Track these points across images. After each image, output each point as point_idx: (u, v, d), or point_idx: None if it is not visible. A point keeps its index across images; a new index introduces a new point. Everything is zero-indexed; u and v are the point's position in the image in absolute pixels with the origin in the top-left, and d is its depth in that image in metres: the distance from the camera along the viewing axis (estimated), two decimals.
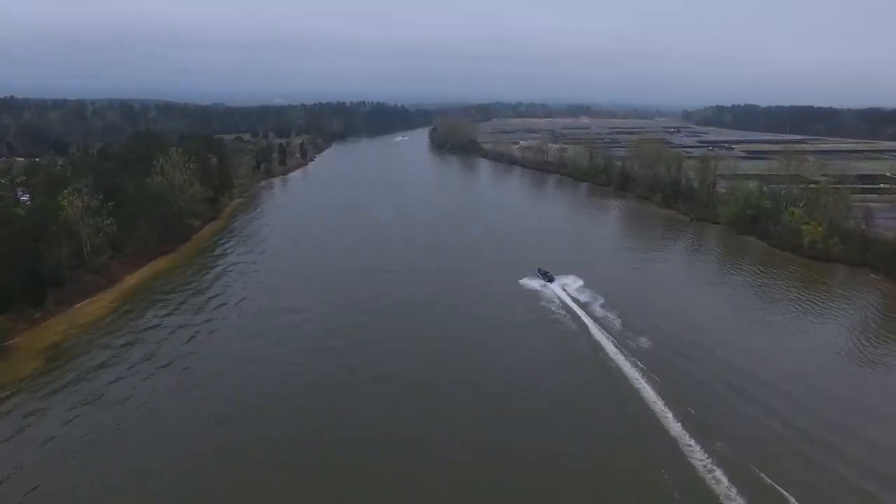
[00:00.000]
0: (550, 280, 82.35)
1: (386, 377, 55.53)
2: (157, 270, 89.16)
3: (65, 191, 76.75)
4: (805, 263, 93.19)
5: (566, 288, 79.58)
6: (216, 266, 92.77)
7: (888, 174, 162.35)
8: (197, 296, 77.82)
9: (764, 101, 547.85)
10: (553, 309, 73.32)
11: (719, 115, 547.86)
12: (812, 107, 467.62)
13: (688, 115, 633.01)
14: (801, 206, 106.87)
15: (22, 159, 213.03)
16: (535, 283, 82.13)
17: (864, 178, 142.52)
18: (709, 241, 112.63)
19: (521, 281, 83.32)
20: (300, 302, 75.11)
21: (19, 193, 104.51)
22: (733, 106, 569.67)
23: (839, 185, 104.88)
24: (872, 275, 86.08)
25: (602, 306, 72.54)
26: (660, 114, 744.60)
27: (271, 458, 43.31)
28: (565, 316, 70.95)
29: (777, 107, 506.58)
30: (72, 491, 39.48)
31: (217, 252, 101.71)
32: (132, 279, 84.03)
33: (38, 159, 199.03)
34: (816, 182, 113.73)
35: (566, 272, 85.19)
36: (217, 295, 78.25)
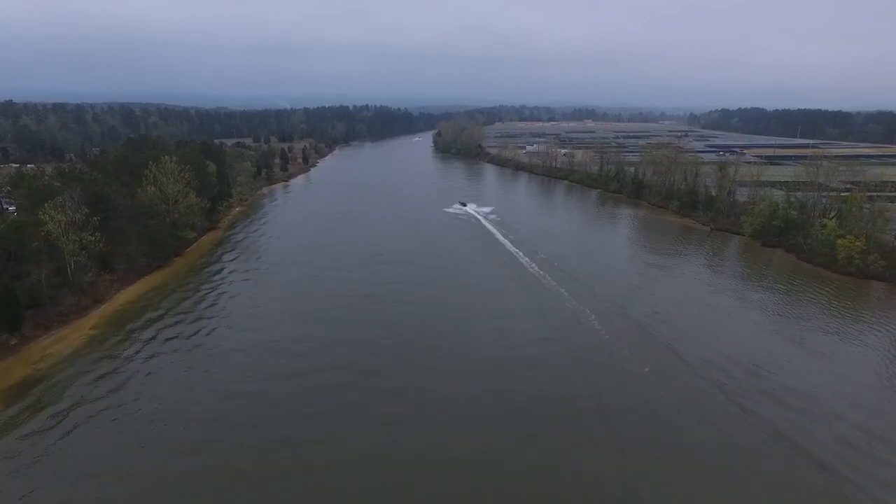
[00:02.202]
0: None
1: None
2: (146, 290, 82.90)
3: (46, 204, 70.85)
4: (839, 279, 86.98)
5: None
6: (209, 284, 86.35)
7: None
8: (184, 323, 70.62)
9: (770, 104, 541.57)
10: None
11: (726, 119, 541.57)
12: (822, 110, 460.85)
13: (694, 119, 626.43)
14: (831, 217, 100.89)
15: (17, 165, 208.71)
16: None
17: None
18: (733, 253, 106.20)
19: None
20: (293, 336, 69.05)
21: (5, 204, 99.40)
22: (740, 109, 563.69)
23: (874, 194, 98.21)
24: None
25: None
26: (664, 117, 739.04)
27: None
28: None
29: (785, 110, 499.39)
30: None
31: (212, 268, 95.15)
32: (120, 298, 78.18)
33: (30, 165, 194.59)
34: (847, 190, 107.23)
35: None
36: (204, 328, 71.28)
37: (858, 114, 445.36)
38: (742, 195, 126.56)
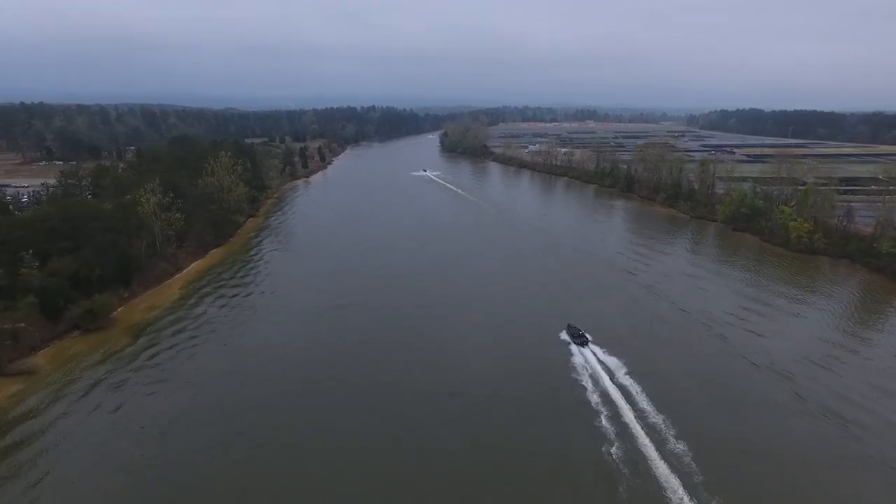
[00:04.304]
0: None
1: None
2: (211, 262, 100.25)
3: (142, 189, 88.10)
4: (792, 256, 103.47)
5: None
6: (259, 257, 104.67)
7: (880, 176, 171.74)
8: (241, 287, 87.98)
9: (771, 105, 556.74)
10: None
11: (724, 120, 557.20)
12: (816, 111, 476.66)
13: (693, 120, 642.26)
14: (791, 205, 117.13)
15: (60, 162, 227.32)
16: None
17: (848, 180, 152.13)
18: (707, 235, 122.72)
19: None
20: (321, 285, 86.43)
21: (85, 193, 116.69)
22: (738, 110, 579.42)
23: (824, 187, 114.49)
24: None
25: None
26: (666, 118, 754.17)
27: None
28: None
29: (781, 111, 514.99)
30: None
31: (260, 246, 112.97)
32: (194, 267, 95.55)
33: (72, 163, 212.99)
34: (804, 184, 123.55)
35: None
36: (255, 291, 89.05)
37: (853, 115, 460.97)
38: (721, 189, 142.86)
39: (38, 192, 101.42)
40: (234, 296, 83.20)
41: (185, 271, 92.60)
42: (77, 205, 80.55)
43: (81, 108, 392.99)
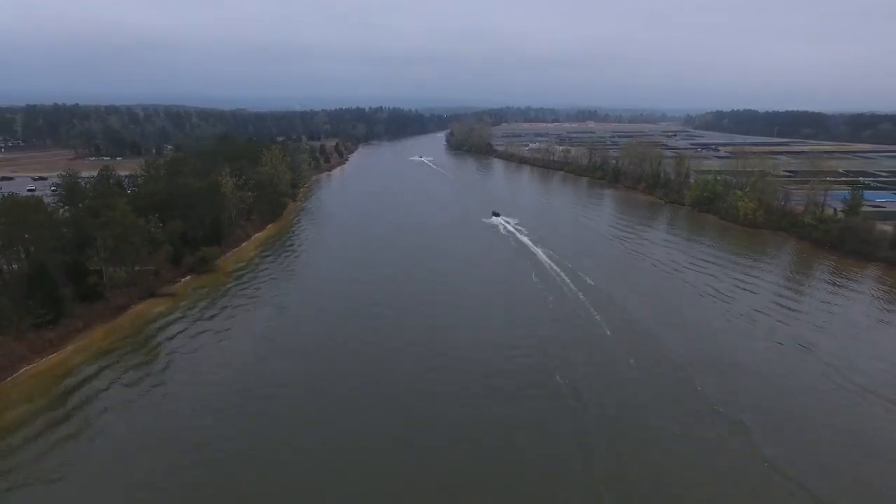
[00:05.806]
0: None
1: None
2: (270, 233, 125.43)
3: (222, 173, 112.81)
4: (740, 229, 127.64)
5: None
6: (303, 229, 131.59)
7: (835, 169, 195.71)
8: (298, 245, 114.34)
9: (766, 106, 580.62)
10: None
11: (718, 120, 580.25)
12: (805, 112, 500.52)
13: (689, 120, 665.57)
14: (745, 190, 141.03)
15: (108, 158, 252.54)
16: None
17: (792, 171, 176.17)
18: (677, 216, 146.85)
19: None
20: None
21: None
22: (732, 111, 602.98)
23: (769, 176, 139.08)
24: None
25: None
26: (665, 118, 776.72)
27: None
28: None
29: (773, 112, 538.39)
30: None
31: (302, 221, 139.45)
32: (259, 236, 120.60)
33: (118, 158, 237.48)
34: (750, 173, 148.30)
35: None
36: (310, 244, 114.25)
37: (841, 115, 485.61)
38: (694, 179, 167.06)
39: (134, 176, 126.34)
40: (288, 256, 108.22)
41: (252, 238, 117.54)
42: (178, 184, 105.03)
43: (111, 109, 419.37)
